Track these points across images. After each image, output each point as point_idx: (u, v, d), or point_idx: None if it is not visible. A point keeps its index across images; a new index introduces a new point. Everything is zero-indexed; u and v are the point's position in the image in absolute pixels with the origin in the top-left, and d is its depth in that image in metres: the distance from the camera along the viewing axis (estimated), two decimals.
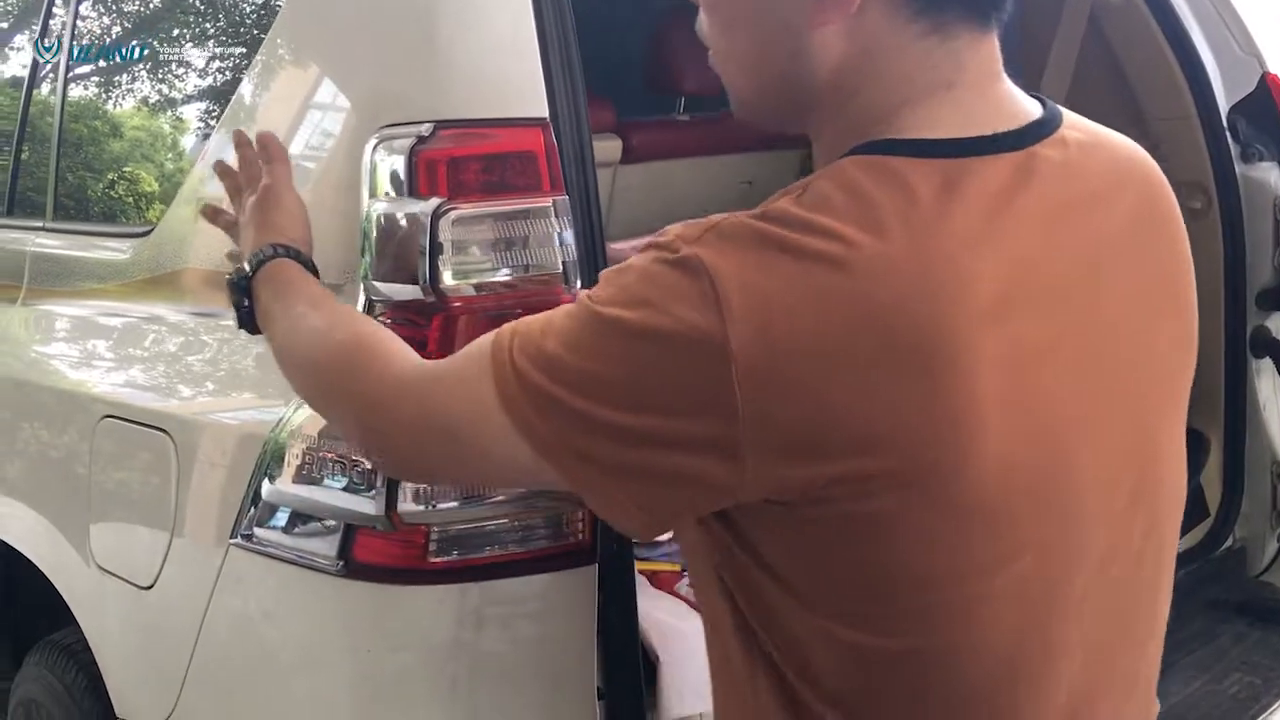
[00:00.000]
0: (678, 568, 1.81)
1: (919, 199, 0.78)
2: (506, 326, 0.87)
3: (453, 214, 1.19)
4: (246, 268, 1.14)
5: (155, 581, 1.48)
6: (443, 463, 0.94)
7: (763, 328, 0.75)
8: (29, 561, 1.81)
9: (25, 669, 1.98)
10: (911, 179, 0.79)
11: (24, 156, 2.16)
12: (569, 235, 1.23)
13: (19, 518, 1.85)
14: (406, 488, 1.19)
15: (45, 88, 2.13)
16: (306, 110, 1.43)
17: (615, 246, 1.56)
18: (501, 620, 1.24)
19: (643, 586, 1.58)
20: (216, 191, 1.51)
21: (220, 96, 1.64)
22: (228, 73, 1.67)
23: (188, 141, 1.80)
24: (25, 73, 2.18)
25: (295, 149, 1.42)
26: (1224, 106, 2.23)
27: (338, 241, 1.29)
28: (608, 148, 2.50)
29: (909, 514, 0.78)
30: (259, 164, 1.24)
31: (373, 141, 1.25)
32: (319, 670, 1.31)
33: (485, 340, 0.87)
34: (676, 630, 1.51)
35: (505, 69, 1.24)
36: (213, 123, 1.64)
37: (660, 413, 0.78)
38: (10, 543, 1.88)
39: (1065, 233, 0.83)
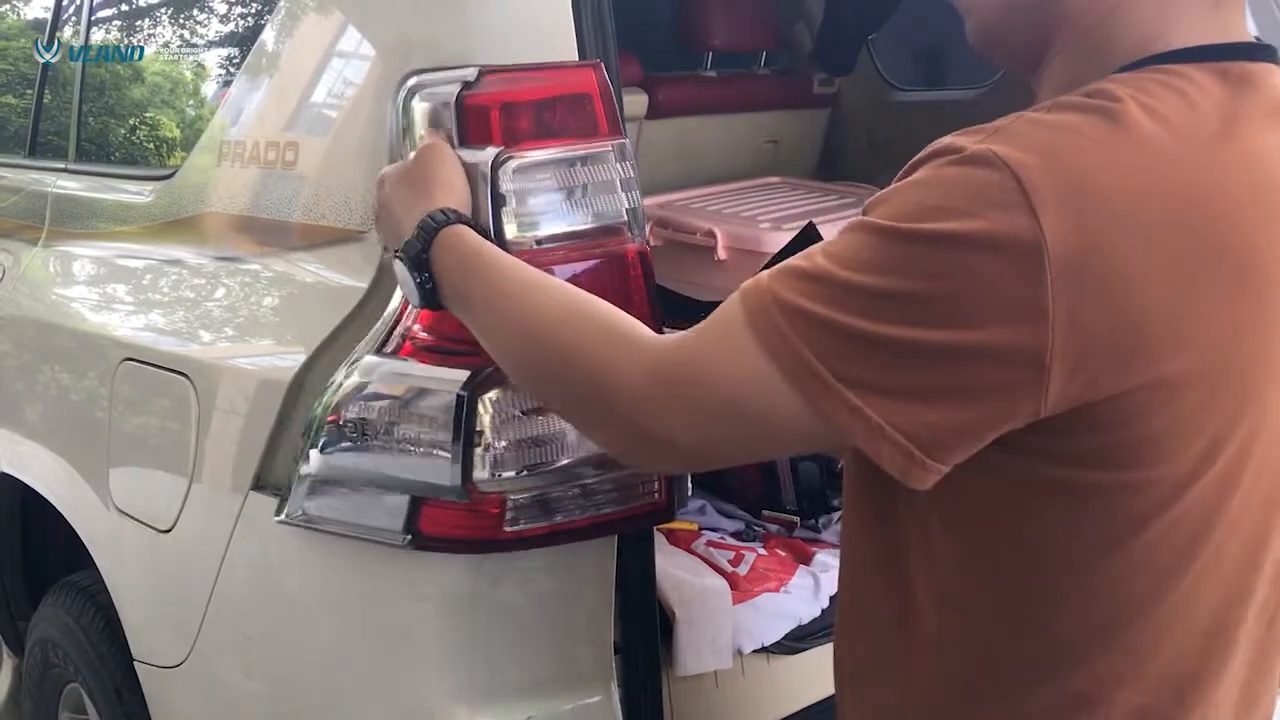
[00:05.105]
0: (695, 526, 1.81)
1: (1214, 96, 0.77)
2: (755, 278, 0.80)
3: (512, 163, 1.12)
4: (417, 241, 1.02)
5: (174, 525, 1.48)
6: (725, 444, 0.85)
7: (1078, 215, 0.71)
8: (48, 503, 1.82)
9: (43, 610, 2.00)
10: (1200, 79, 0.77)
11: (46, 99, 2.15)
12: (632, 180, 1.18)
13: (39, 459, 1.85)
14: (485, 455, 1.12)
15: (69, 30, 2.11)
16: (331, 55, 1.41)
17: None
18: (520, 574, 1.23)
19: (660, 544, 1.58)
20: (239, 137, 1.51)
21: (243, 41, 1.62)
22: (251, 18, 1.66)
23: (210, 87, 1.78)
24: (49, 15, 2.17)
25: (319, 95, 1.41)
26: None
27: (364, 189, 1.28)
28: (633, 102, 2.47)
29: (1193, 418, 0.76)
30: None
31: (408, 87, 1.20)
32: (336, 617, 1.31)
33: (734, 295, 0.82)
34: (694, 587, 1.51)
35: (534, 15, 1.21)
36: (235, 68, 1.62)
37: (961, 325, 0.72)
38: (30, 484, 1.89)
39: None
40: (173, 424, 1.50)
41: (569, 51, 1.20)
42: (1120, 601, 0.83)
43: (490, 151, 1.12)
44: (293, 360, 1.32)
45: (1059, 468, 0.79)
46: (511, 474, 1.13)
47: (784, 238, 2.13)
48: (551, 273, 1.08)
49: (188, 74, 1.86)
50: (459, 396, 1.11)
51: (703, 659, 1.48)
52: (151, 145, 1.92)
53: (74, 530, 1.74)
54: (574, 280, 1.12)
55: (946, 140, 0.77)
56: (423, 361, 1.16)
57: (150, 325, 1.63)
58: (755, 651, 1.55)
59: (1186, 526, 0.81)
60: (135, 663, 1.65)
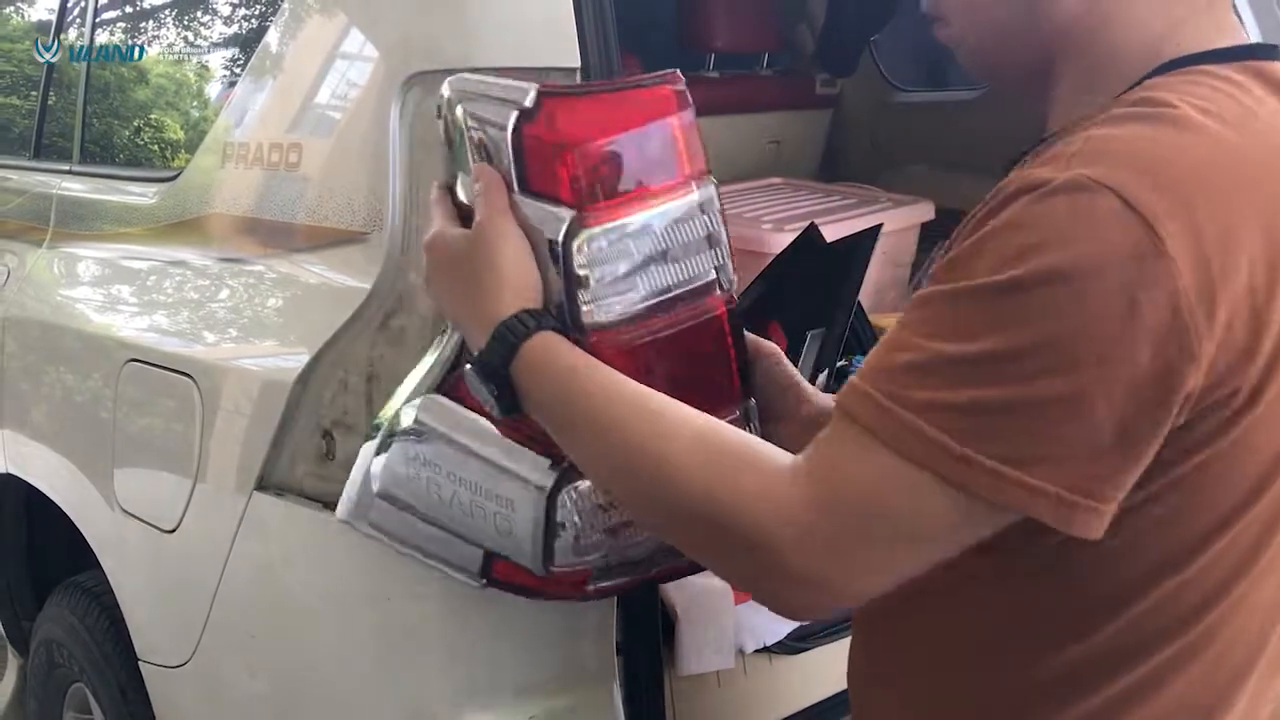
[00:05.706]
0: None
1: (1253, 91, 0.78)
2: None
3: (587, 235, 0.94)
4: (494, 357, 0.89)
5: (178, 525, 1.49)
6: (886, 573, 0.76)
7: (1188, 221, 0.69)
8: (53, 504, 1.83)
9: (47, 610, 2.00)
10: (1235, 77, 0.78)
11: (51, 101, 2.16)
12: (721, 234, 1.01)
13: (44, 460, 1.86)
14: (568, 545, 1.03)
15: (73, 32, 2.12)
16: (334, 57, 1.42)
17: None
18: None
19: None
20: (242, 138, 1.51)
21: (246, 43, 1.63)
22: (254, 19, 1.66)
23: (214, 89, 1.79)
24: (53, 17, 2.18)
25: (322, 96, 1.41)
26: None
27: (367, 191, 1.28)
28: None
29: None
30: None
31: (447, 98, 1.04)
32: (339, 617, 1.32)
33: (835, 421, 0.76)
34: (696, 587, 1.51)
35: (536, 15, 1.21)
36: (239, 70, 1.63)
37: (1106, 359, 0.68)
38: (35, 484, 1.89)
39: None
40: (177, 424, 1.50)
41: (570, 52, 1.20)
42: (1188, 601, 0.81)
43: (561, 215, 0.94)
44: (296, 361, 1.32)
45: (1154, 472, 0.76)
46: (593, 556, 1.05)
47: (786, 239, 2.14)
48: (639, 353, 0.96)
49: (191, 76, 1.87)
50: (540, 489, 1.01)
51: (705, 658, 1.48)
52: (156, 147, 1.92)
53: (79, 531, 1.75)
54: (662, 353, 0.99)
55: (1022, 178, 0.73)
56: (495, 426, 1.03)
57: (154, 326, 1.64)
58: (758, 651, 1.55)
59: (1257, 527, 0.80)
60: (140, 662, 1.65)
